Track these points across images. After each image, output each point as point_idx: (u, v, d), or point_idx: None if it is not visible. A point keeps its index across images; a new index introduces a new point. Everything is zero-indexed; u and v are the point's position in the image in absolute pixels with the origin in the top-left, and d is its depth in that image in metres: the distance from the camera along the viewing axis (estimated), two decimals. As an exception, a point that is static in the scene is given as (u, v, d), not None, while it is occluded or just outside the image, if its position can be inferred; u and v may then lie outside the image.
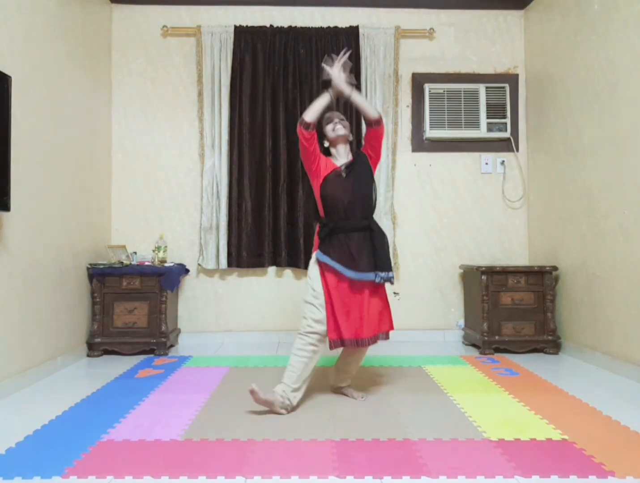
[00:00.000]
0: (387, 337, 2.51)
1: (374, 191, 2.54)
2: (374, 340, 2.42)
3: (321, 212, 2.52)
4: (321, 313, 2.36)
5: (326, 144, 2.56)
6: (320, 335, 2.35)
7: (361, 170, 2.49)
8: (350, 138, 2.57)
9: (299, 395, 2.37)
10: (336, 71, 2.42)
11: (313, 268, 2.47)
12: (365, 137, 2.58)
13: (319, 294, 2.39)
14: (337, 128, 2.49)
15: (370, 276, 2.40)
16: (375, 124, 2.48)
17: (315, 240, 2.55)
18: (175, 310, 4.02)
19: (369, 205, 2.51)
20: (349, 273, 2.38)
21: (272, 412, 2.31)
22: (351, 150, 2.58)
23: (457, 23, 4.28)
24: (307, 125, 2.37)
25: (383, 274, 2.41)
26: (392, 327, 2.53)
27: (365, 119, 2.52)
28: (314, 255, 2.49)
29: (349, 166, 2.48)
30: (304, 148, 2.42)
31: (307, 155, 2.44)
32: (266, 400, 2.28)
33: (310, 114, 2.39)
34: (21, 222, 2.79)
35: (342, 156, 2.53)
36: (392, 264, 4.00)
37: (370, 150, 2.56)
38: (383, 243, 2.47)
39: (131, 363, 3.35)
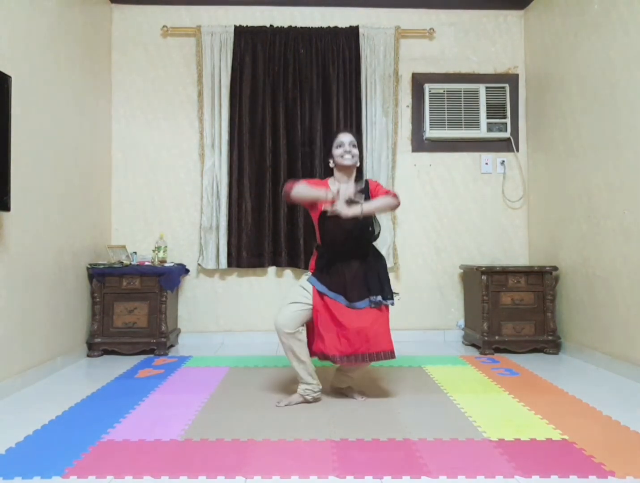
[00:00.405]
0: (391, 356, 2.43)
1: (375, 223, 2.55)
2: (369, 357, 2.39)
3: (318, 240, 2.57)
4: (287, 314, 2.41)
5: (331, 165, 2.57)
6: (286, 333, 2.40)
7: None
8: (357, 165, 2.56)
9: (315, 384, 2.47)
10: (339, 207, 2.32)
11: (304, 283, 2.51)
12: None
13: (293, 303, 2.44)
14: (346, 157, 2.48)
15: (362, 304, 2.43)
16: (396, 208, 2.53)
17: (312, 261, 2.59)
18: (175, 310, 4.02)
19: (367, 237, 2.53)
20: (342, 301, 2.43)
21: (273, 411, 2.37)
22: (357, 176, 2.58)
23: (457, 23, 4.27)
24: (288, 199, 2.42)
25: (372, 298, 2.43)
26: (391, 347, 2.44)
27: None
28: (305, 277, 2.53)
29: (348, 201, 2.40)
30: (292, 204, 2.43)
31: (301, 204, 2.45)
32: (297, 401, 2.46)
33: (298, 194, 2.40)
34: (21, 222, 2.79)
35: (342, 183, 2.51)
36: (393, 264, 4.08)
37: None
38: (377, 269, 2.49)
39: (131, 363, 3.35)
